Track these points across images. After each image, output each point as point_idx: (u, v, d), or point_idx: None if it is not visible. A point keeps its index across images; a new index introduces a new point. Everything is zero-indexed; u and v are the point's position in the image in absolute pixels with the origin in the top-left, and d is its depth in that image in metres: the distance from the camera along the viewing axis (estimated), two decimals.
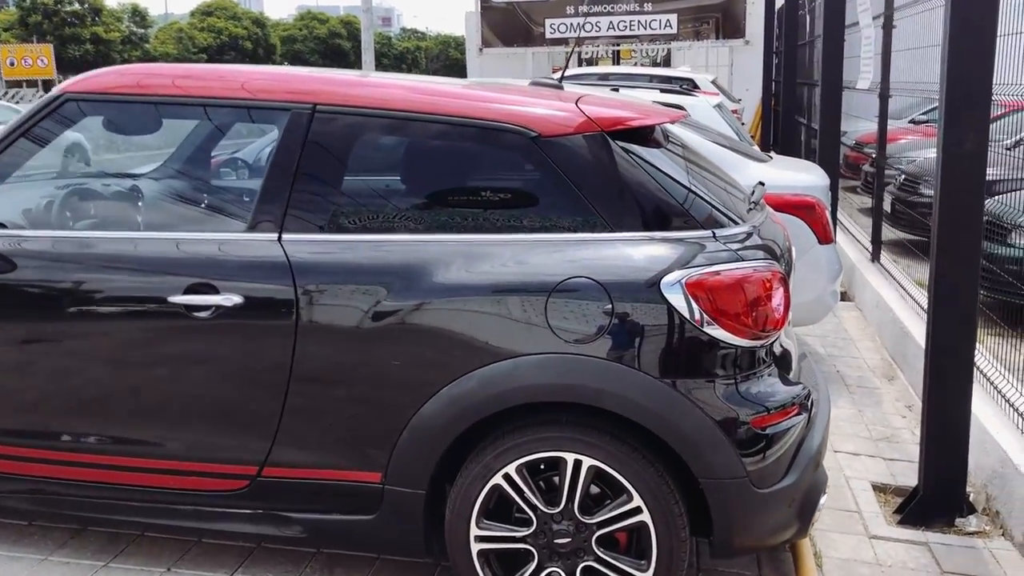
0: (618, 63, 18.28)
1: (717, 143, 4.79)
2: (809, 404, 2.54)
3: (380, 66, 41.84)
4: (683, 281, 2.32)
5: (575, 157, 2.46)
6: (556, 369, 2.35)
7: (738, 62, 15.42)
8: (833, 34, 6.87)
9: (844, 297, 6.62)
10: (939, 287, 3.25)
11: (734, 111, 10.12)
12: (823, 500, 2.61)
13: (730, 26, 15.26)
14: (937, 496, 3.29)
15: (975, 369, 3.35)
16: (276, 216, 2.53)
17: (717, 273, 2.34)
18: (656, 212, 2.44)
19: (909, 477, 3.57)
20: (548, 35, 15.53)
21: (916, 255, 6.06)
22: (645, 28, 15.31)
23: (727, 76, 15.52)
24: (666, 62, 20.79)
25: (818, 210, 4.46)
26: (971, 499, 3.35)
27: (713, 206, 2.53)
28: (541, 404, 2.40)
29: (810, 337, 5.56)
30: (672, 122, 2.82)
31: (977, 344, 3.36)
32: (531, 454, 2.41)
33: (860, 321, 6.03)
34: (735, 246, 2.42)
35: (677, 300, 2.32)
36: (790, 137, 10.18)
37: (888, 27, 6.03)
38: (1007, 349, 3.81)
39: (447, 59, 59.60)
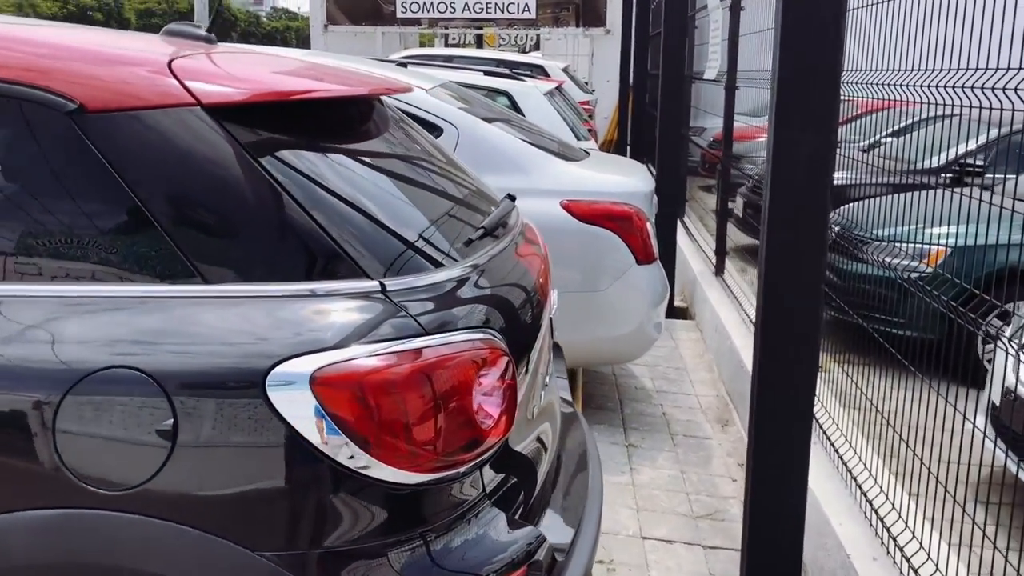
0: (481, 48, 17.29)
1: (520, 137, 3.85)
2: (548, 559, 1.59)
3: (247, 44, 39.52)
4: (310, 375, 1.33)
5: (142, 150, 1.43)
6: (73, 538, 1.33)
7: (599, 52, 14.63)
8: (675, 17, 6.08)
9: (685, 315, 5.85)
10: (768, 328, 2.41)
11: (583, 103, 9.31)
12: None
13: (590, 13, 14.46)
14: None
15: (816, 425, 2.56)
16: None
17: (377, 358, 1.36)
18: (282, 250, 1.43)
19: None
20: (399, 14, 14.35)
21: None
22: (503, 11, 14.34)
23: (588, 66, 14.75)
24: (535, 50, 19.94)
25: (636, 222, 3.58)
26: None
27: (402, 239, 1.54)
28: None
29: (638, 367, 4.72)
30: (372, 97, 1.83)
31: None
32: None
33: (699, 345, 5.24)
34: (418, 307, 1.44)
35: (297, 409, 1.32)
36: (644, 134, 9.42)
37: (736, 8, 5.27)
38: (846, 384, 3.04)
39: None
